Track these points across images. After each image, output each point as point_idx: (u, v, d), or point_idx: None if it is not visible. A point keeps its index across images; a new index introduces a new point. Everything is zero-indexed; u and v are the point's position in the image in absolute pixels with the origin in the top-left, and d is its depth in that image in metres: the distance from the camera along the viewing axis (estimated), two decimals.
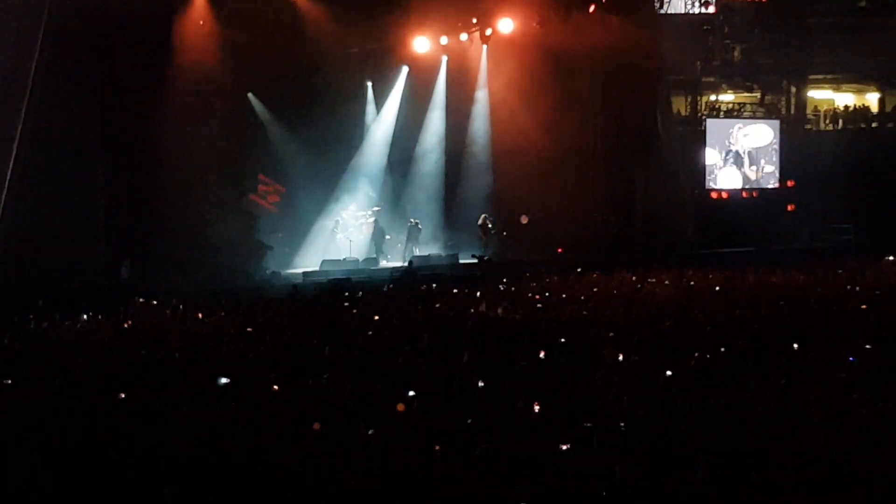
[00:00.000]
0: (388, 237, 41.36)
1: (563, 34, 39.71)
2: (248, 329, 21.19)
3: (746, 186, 45.40)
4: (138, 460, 11.23)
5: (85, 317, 24.00)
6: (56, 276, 30.48)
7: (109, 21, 32.84)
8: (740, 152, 45.28)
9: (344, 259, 39.16)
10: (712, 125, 45.64)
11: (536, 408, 12.95)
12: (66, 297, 26.51)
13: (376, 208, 41.46)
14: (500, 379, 14.95)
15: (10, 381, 15.56)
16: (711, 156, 44.88)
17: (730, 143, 45.23)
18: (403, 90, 42.73)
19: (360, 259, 39.32)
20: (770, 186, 45.80)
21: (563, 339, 18.29)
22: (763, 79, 48.47)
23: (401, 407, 13.25)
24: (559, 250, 36.27)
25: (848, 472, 10.55)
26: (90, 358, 17.88)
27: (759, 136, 45.82)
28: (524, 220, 36.13)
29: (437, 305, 25.36)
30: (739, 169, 45.40)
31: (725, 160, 45.23)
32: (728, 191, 44.91)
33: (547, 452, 11.08)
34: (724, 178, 45.09)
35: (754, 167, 45.60)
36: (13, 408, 13.93)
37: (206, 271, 33.51)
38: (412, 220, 41.45)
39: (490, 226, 40.69)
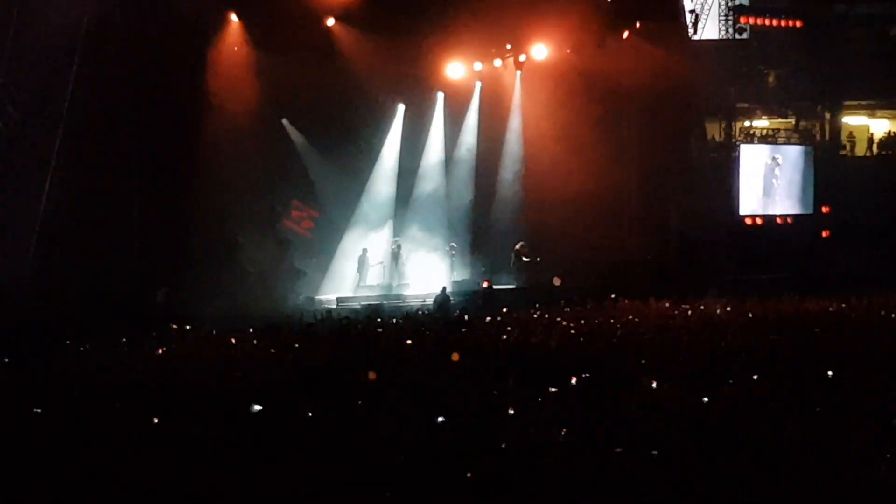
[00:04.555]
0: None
1: (597, 60, 39.73)
2: (283, 355, 21.22)
3: (781, 212, 45.18)
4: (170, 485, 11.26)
5: (118, 343, 24.05)
6: (90, 302, 30.54)
7: (144, 46, 33.10)
8: (774, 178, 45.06)
9: (377, 284, 39.17)
10: (747, 151, 45.44)
11: (563, 432, 12.91)
12: (101, 322, 26.60)
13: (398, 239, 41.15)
14: (531, 406, 14.90)
15: (44, 408, 15.59)
16: (746, 182, 44.68)
17: (764, 168, 45.01)
18: (443, 116, 42.53)
19: (395, 284, 39.33)
20: (804, 213, 45.58)
21: (596, 366, 18.23)
22: (797, 104, 48.31)
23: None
24: (556, 281, 35.86)
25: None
26: (124, 383, 17.92)
27: (794, 162, 45.64)
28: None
29: (465, 331, 25.38)
30: (773, 195, 45.19)
31: (759, 186, 45.01)
32: (763, 216, 44.71)
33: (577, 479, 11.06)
34: (758, 203, 44.88)
35: (788, 193, 45.38)
36: (47, 433, 13.95)
37: (239, 297, 33.55)
38: (450, 244, 41.27)
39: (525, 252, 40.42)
